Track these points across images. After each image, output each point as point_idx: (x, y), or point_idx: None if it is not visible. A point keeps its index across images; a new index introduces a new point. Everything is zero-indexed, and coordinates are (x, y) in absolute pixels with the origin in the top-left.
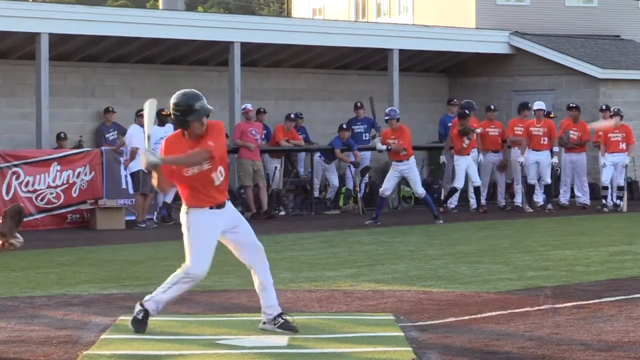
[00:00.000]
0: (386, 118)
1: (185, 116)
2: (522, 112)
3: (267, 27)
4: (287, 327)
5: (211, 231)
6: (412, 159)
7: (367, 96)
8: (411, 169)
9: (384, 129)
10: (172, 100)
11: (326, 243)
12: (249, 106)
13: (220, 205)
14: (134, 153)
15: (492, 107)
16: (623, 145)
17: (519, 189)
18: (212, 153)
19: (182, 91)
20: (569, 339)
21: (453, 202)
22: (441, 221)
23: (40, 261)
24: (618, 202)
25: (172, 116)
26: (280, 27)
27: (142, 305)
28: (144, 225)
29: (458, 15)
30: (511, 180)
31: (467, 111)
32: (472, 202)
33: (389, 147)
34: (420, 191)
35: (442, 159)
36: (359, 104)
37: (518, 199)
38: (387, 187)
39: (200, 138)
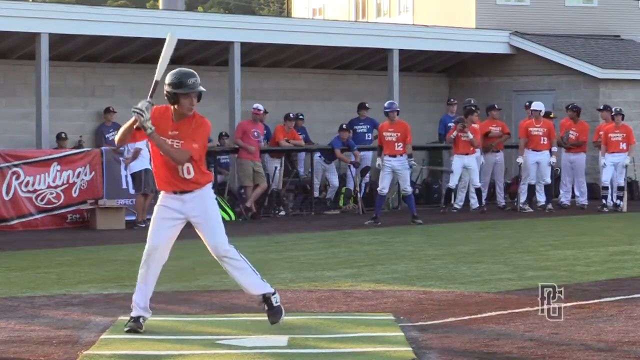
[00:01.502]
0: (387, 110)
1: (175, 89)
2: (527, 110)
3: (267, 27)
4: (274, 315)
5: (164, 213)
6: (405, 155)
7: (367, 96)
8: (404, 166)
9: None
10: (167, 76)
11: (326, 243)
12: (260, 107)
13: (183, 192)
14: (137, 153)
15: (495, 106)
16: (623, 145)
17: (524, 189)
18: (193, 156)
19: (177, 68)
20: (569, 339)
21: (459, 202)
22: (420, 221)
23: (40, 261)
24: (618, 202)
25: (164, 91)
26: (280, 27)
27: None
28: (143, 226)
29: (458, 15)
30: (511, 180)
31: (473, 107)
32: (473, 202)
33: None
34: (409, 189)
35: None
36: (366, 104)
37: (522, 199)
38: (384, 185)
39: (186, 122)
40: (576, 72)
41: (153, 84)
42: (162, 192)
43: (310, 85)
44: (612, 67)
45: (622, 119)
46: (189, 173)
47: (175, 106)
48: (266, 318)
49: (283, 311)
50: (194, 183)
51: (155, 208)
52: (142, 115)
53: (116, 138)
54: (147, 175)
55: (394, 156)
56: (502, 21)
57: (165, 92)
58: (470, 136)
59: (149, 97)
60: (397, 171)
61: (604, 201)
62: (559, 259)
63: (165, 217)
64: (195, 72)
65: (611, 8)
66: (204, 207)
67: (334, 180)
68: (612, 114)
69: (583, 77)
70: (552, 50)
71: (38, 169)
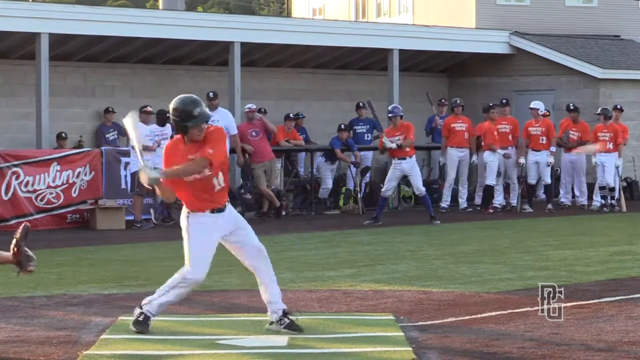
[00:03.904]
0: (390, 115)
1: (184, 122)
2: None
3: (267, 27)
4: (292, 328)
5: (210, 235)
6: (414, 156)
7: (367, 96)
8: (414, 167)
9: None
10: (171, 105)
11: (326, 243)
12: (252, 106)
13: (220, 209)
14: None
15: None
16: (610, 145)
17: (515, 188)
18: (211, 161)
19: (181, 97)
20: (569, 339)
21: (445, 201)
22: (438, 222)
23: (40, 261)
24: (613, 202)
25: (171, 121)
26: (280, 27)
27: (141, 308)
28: (139, 225)
29: (458, 15)
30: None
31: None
32: (462, 202)
33: (399, 144)
34: (422, 189)
35: (442, 161)
36: (361, 104)
37: (513, 200)
38: (389, 187)
39: (201, 143)
40: (576, 72)
41: (138, 154)
42: (191, 214)
43: (310, 85)
44: (612, 67)
45: (610, 118)
46: (220, 183)
47: (185, 135)
48: (266, 318)
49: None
50: (224, 196)
51: (193, 230)
52: (144, 175)
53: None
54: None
55: (404, 158)
56: (502, 21)
57: (172, 120)
58: (392, 145)
59: (141, 163)
60: (408, 173)
61: (602, 200)
62: (559, 259)
63: (210, 240)
64: (198, 99)
65: (611, 8)
66: (236, 217)
67: (328, 181)
68: (597, 112)
69: (583, 77)
70: (552, 50)
71: (38, 169)
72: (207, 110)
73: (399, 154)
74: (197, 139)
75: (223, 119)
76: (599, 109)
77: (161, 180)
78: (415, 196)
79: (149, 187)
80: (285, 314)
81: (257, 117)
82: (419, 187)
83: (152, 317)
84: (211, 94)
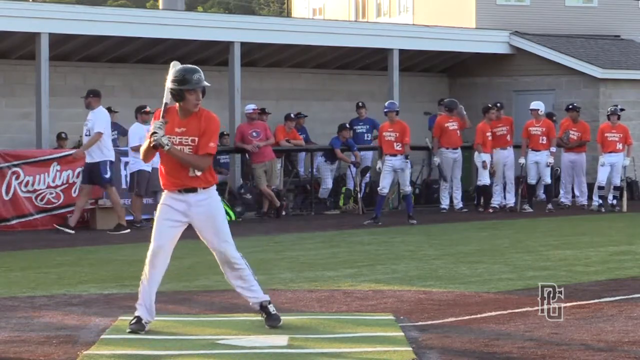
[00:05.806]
0: (385, 110)
1: (180, 86)
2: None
3: (267, 27)
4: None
5: (168, 214)
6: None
7: (367, 96)
8: (406, 165)
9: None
10: (169, 73)
11: (326, 243)
12: (252, 107)
13: (187, 190)
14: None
15: (492, 105)
16: (620, 146)
17: (511, 189)
18: (212, 156)
19: (181, 65)
20: (569, 339)
21: (444, 202)
22: (415, 221)
23: (40, 261)
24: (614, 202)
25: (169, 89)
26: (280, 27)
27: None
28: (139, 225)
29: (458, 15)
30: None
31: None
32: (457, 202)
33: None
34: (408, 189)
35: (437, 161)
36: (360, 104)
37: (511, 200)
38: (385, 184)
39: (193, 118)
40: (576, 72)
41: (163, 105)
42: (165, 191)
43: (310, 85)
44: (612, 67)
45: (619, 119)
46: (195, 173)
47: (181, 103)
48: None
49: (281, 319)
50: (201, 180)
51: (159, 207)
52: (156, 134)
53: (141, 158)
54: (140, 176)
55: (395, 155)
56: (502, 21)
57: (169, 89)
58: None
59: (161, 117)
60: (397, 170)
61: (601, 201)
62: (559, 259)
63: (169, 217)
64: (198, 68)
65: (611, 8)
66: (210, 213)
67: (328, 181)
68: (608, 113)
69: (583, 77)
70: (552, 50)
71: (38, 169)
72: (204, 80)
73: (391, 151)
74: (192, 109)
75: (95, 118)
76: (610, 108)
77: (165, 149)
78: (416, 196)
79: (151, 143)
80: (262, 307)
81: (259, 145)
82: (405, 185)
83: (147, 315)
84: (85, 93)
